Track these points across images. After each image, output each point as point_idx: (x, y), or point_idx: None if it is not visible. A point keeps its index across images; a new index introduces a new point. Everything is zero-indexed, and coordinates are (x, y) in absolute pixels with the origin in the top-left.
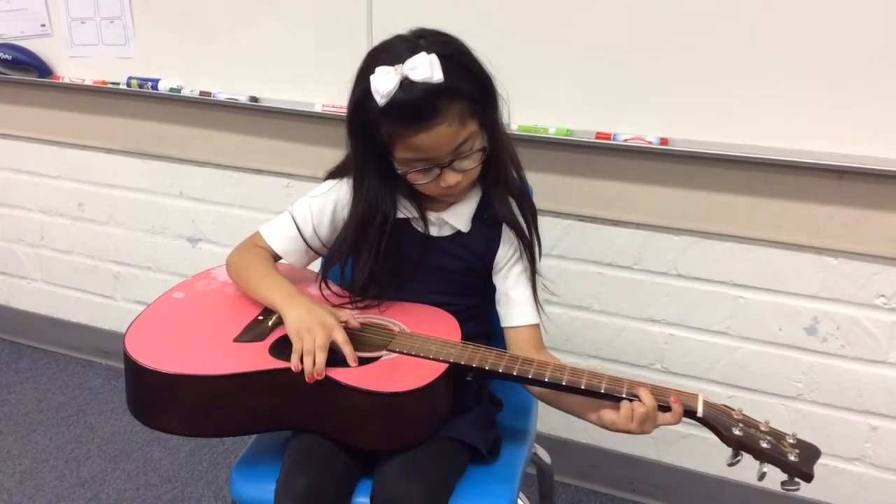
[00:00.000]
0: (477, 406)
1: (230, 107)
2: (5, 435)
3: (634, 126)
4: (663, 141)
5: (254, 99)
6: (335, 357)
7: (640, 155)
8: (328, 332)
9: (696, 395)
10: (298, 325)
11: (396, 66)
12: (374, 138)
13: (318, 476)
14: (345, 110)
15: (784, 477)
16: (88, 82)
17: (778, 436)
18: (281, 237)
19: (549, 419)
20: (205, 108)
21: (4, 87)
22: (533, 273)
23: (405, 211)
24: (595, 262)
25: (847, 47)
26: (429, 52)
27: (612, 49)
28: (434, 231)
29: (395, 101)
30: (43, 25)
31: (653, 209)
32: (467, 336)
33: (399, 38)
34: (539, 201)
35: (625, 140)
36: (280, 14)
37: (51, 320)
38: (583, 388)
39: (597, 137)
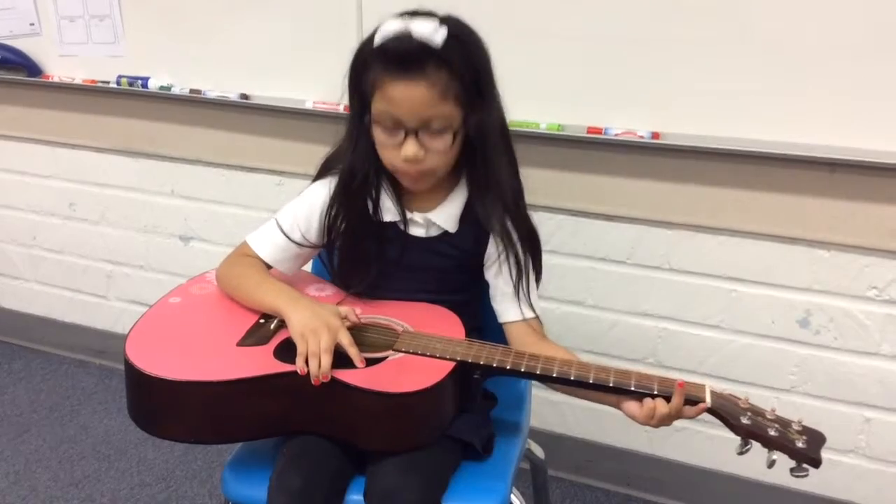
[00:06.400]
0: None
1: (221, 104)
2: None
3: (626, 120)
4: (655, 135)
5: (244, 96)
6: (341, 358)
7: (631, 149)
8: (333, 334)
9: (703, 385)
10: (302, 328)
11: (406, 19)
12: (362, 86)
13: (311, 474)
14: (335, 106)
15: (792, 464)
16: (78, 81)
17: (784, 423)
18: (269, 246)
19: (543, 414)
20: (195, 106)
21: None
22: (522, 267)
23: (391, 214)
24: (588, 256)
25: (838, 40)
26: (442, 24)
27: (602, 43)
28: (422, 232)
29: (388, 44)
30: (32, 24)
31: (645, 203)
32: None
33: (421, 11)
34: (530, 197)
35: (616, 134)
36: (270, 11)
37: (43, 320)
38: (591, 381)
39: (588, 132)
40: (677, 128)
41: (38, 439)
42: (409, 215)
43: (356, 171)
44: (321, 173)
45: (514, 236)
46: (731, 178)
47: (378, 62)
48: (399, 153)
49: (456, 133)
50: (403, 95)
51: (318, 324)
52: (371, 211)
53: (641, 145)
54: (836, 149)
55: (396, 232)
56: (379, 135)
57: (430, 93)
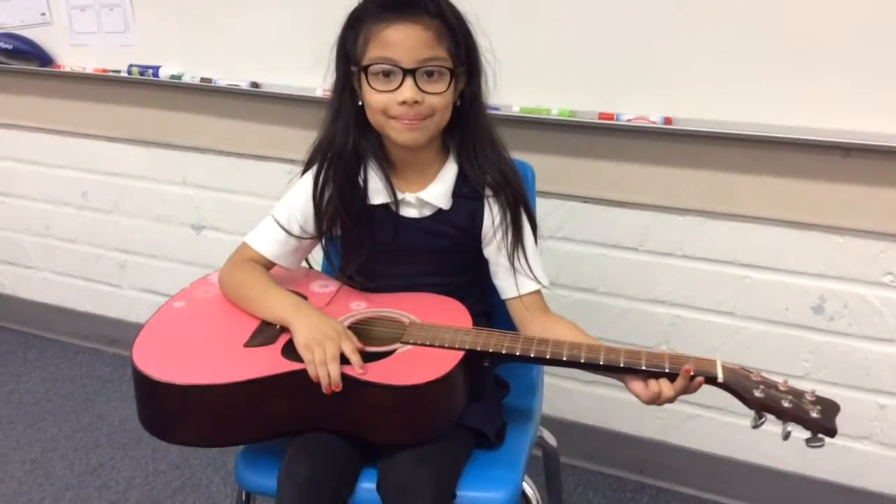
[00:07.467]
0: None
1: (231, 93)
2: (15, 424)
3: (638, 106)
4: (667, 120)
5: (255, 85)
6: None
7: (643, 135)
8: (336, 342)
9: (714, 360)
10: (307, 339)
11: None
12: (350, 47)
13: (320, 464)
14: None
15: (808, 434)
16: (89, 70)
17: (797, 394)
18: (270, 242)
19: (554, 401)
20: (206, 95)
21: (6, 77)
22: (520, 234)
23: (381, 196)
24: (600, 243)
25: (851, 23)
26: None
27: (614, 28)
28: (415, 213)
29: None
30: (43, 14)
31: (657, 189)
32: None
33: None
34: (542, 183)
35: (628, 120)
36: None
37: (58, 309)
38: (601, 364)
39: (600, 118)
40: (689, 113)
41: (54, 428)
42: (400, 196)
43: (335, 139)
44: (310, 163)
45: (507, 197)
46: (744, 163)
47: (373, 12)
48: (395, 98)
49: (450, 82)
50: (400, 36)
51: (320, 334)
52: (359, 190)
53: (653, 131)
54: (850, 133)
55: (388, 214)
56: (374, 86)
57: (426, 34)
